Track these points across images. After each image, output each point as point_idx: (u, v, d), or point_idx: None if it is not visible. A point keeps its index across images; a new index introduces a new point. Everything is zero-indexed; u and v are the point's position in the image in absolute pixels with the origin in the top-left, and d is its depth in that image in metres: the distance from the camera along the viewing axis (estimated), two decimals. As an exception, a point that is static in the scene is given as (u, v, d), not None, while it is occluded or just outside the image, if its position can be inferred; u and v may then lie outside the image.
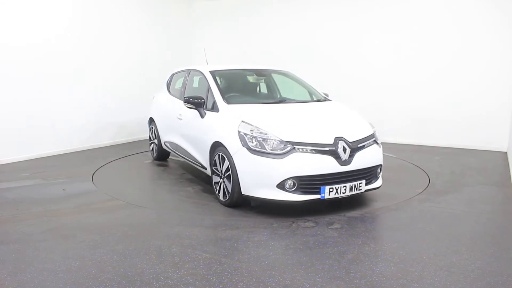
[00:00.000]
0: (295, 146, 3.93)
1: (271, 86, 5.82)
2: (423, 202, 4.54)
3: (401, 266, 2.98)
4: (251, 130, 4.07)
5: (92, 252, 3.21)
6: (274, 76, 5.85)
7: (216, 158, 4.40)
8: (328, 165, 3.95)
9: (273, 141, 3.95)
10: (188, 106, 4.95)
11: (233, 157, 4.10)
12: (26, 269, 2.94)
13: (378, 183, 4.44)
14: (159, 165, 6.50)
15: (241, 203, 4.28)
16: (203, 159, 4.81)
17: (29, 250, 3.26)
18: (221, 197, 4.39)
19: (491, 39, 7.30)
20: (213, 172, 4.54)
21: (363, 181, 4.16)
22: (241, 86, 5.63)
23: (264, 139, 3.97)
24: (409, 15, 7.98)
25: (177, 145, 5.64)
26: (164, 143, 6.20)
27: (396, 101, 8.26)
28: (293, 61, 8.98)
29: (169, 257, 3.13)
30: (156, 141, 6.51)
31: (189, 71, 5.92)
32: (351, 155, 4.06)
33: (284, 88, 5.76)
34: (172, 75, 6.57)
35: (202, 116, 4.83)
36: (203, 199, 4.64)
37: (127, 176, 5.92)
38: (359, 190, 4.14)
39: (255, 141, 3.99)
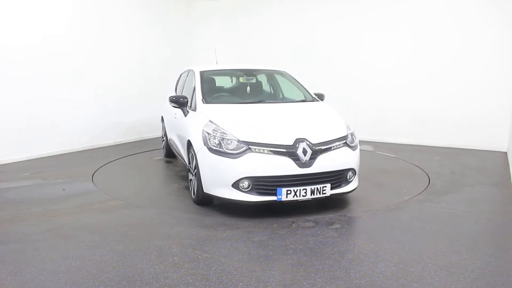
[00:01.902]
0: (250, 146, 3.89)
1: (263, 86, 5.80)
2: (423, 202, 4.54)
3: (401, 266, 2.98)
4: (213, 130, 4.10)
5: (92, 252, 3.21)
6: (270, 76, 5.84)
7: (190, 156, 4.51)
8: (285, 167, 3.86)
9: (230, 140, 3.95)
10: (173, 105, 5.07)
11: (197, 155, 4.18)
12: (26, 269, 2.93)
13: (349, 187, 4.24)
14: (160, 164, 6.51)
15: (208, 202, 4.31)
16: (186, 157, 4.91)
17: (29, 250, 3.26)
18: (192, 195, 4.49)
19: (491, 39, 7.30)
20: (188, 170, 4.63)
21: (328, 185, 4.00)
22: (230, 86, 5.66)
23: (222, 139, 3.98)
24: (409, 15, 7.97)
25: (174, 142, 5.82)
26: (169, 140, 6.35)
27: (396, 101, 8.26)
28: (293, 61, 8.98)
29: (169, 257, 3.13)
30: (165, 138, 6.70)
31: (188, 71, 5.98)
32: (313, 157, 3.93)
33: (277, 88, 5.73)
34: (180, 74, 6.63)
35: (185, 115, 4.96)
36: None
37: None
38: (322, 194, 3.98)
39: (215, 140, 4.01)
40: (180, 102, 4.98)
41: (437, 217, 4.03)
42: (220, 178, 3.94)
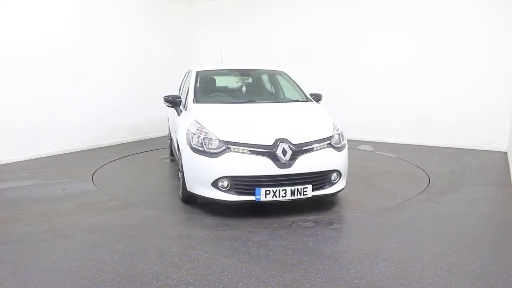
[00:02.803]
0: (229, 146, 3.90)
1: (258, 86, 5.78)
2: (423, 202, 4.54)
3: (401, 266, 2.98)
4: (197, 129, 4.13)
5: (92, 252, 3.21)
6: (266, 76, 5.85)
7: (178, 155, 4.55)
8: (264, 167, 3.84)
9: (211, 140, 3.97)
10: (167, 105, 5.09)
11: (181, 154, 4.22)
12: (26, 269, 2.93)
13: (333, 189, 4.15)
14: (162, 163, 6.51)
15: (193, 201, 4.35)
16: (177, 155, 4.95)
17: (29, 250, 3.26)
18: (180, 193, 4.53)
19: (491, 39, 7.30)
20: (179, 169, 4.66)
21: (309, 186, 3.94)
22: (225, 86, 5.67)
23: (204, 138, 4.01)
24: (409, 15, 7.97)
25: (173, 141, 5.84)
26: (172, 139, 6.37)
27: (396, 101, 8.26)
28: (293, 61, 8.98)
29: (169, 257, 3.13)
30: (170, 137, 6.76)
31: (189, 71, 5.99)
32: (293, 158, 3.89)
33: (271, 88, 5.70)
34: (184, 74, 6.65)
35: (178, 115, 5.01)
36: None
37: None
38: (304, 195, 3.92)
39: (198, 139, 4.04)
40: (173, 102, 5.04)
41: (437, 217, 4.03)
42: (201, 177, 3.98)
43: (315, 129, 4.25)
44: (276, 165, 3.85)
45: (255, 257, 3.14)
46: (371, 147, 7.87)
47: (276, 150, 3.87)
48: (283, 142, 3.92)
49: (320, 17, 8.85)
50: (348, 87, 8.69)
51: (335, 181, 4.18)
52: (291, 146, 3.92)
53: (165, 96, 5.07)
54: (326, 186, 4.13)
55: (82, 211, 4.22)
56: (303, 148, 3.97)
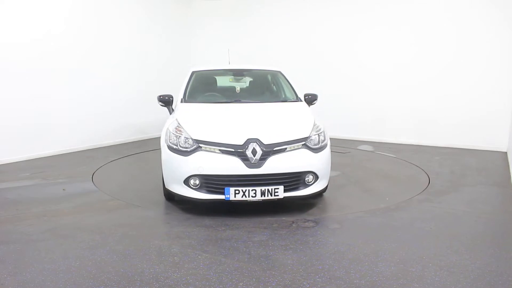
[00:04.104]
0: (200, 145, 3.95)
1: (251, 86, 5.78)
2: (423, 202, 4.54)
3: (401, 266, 2.98)
4: (175, 128, 4.20)
5: (92, 252, 3.21)
6: (261, 76, 5.85)
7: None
8: (233, 166, 3.84)
9: (185, 139, 4.03)
10: (160, 104, 5.13)
11: (161, 152, 4.27)
12: (26, 269, 2.93)
13: (307, 191, 4.05)
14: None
15: (172, 198, 4.40)
16: None
17: (29, 250, 3.26)
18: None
19: (491, 40, 7.30)
20: None
21: (280, 187, 3.88)
22: (219, 86, 5.67)
23: (179, 137, 4.07)
24: (410, 15, 7.98)
25: None
26: None
27: (397, 101, 8.26)
28: (293, 61, 8.99)
29: (169, 257, 3.13)
30: None
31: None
32: (264, 158, 3.87)
33: (263, 88, 5.68)
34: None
35: (170, 113, 5.05)
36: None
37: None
38: (275, 196, 3.87)
39: (174, 138, 4.11)
40: (166, 101, 5.08)
41: (437, 217, 4.03)
42: (174, 174, 4.05)
43: (291, 129, 4.17)
44: (245, 165, 3.85)
45: (255, 257, 3.14)
46: (371, 147, 7.87)
47: (246, 150, 3.87)
48: (254, 142, 3.90)
49: (320, 16, 8.86)
50: (349, 87, 8.69)
51: (310, 183, 4.08)
52: (261, 146, 3.89)
53: (159, 96, 5.12)
54: (301, 188, 4.04)
55: (82, 211, 4.22)
56: (275, 149, 3.93)
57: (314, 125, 4.29)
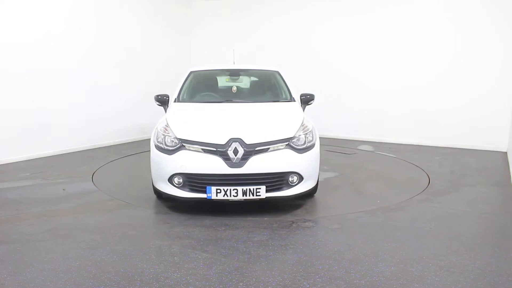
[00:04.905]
0: (183, 144, 4.00)
1: (247, 86, 5.78)
2: (423, 202, 4.53)
3: (401, 266, 2.98)
4: (163, 127, 4.27)
5: (92, 252, 3.21)
6: (258, 76, 5.85)
7: None
8: (215, 166, 3.86)
9: (170, 138, 4.09)
10: (157, 103, 5.19)
11: (150, 151, 4.32)
12: (26, 269, 2.93)
13: (290, 192, 4.01)
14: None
15: (160, 195, 4.44)
16: None
17: (29, 250, 3.26)
18: None
19: (491, 40, 7.30)
20: None
21: (262, 187, 3.86)
22: (214, 86, 5.68)
23: (165, 136, 4.13)
24: (410, 15, 7.98)
25: None
26: None
27: (397, 101, 8.27)
28: (293, 61, 9.00)
29: (169, 257, 3.13)
30: None
31: None
32: (245, 158, 3.86)
33: (258, 88, 5.68)
34: None
35: (166, 112, 5.11)
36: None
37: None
38: (257, 195, 3.86)
39: (161, 137, 4.17)
40: (161, 101, 5.14)
41: (437, 217, 4.03)
42: (160, 173, 4.11)
43: (276, 130, 4.13)
44: (227, 164, 3.86)
45: (255, 257, 3.14)
46: (371, 147, 7.87)
47: (228, 149, 3.88)
48: (236, 141, 3.91)
49: (320, 16, 8.86)
50: (349, 87, 8.70)
51: (294, 184, 4.03)
52: (243, 146, 3.89)
53: (156, 96, 5.18)
54: (284, 188, 4.00)
55: (82, 211, 4.22)
56: (257, 149, 3.92)
57: (302, 125, 4.26)
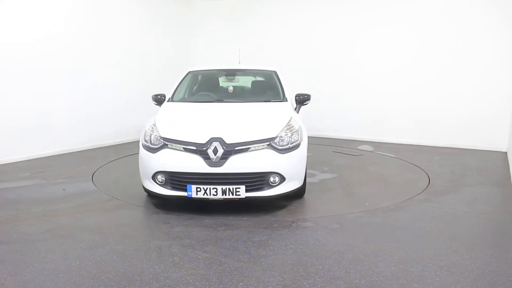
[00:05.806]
0: (166, 143, 4.09)
1: (243, 86, 5.78)
2: (423, 202, 4.53)
3: (401, 266, 2.98)
4: (150, 126, 4.38)
5: (92, 252, 3.21)
6: (254, 76, 5.86)
7: None
8: (195, 164, 3.91)
9: (155, 136, 4.19)
10: (154, 103, 5.25)
11: (139, 149, 4.39)
12: (26, 269, 2.93)
13: (271, 192, 3.98)
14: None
15: (148, 193, 4.46)
16: None
17: (29, 250, 3.26)
18: None
19: (491, 40, 7.30)
20: None
21: (242, 187, 3.88)
22: (211, 86, 5.69)
23: (150, 135, 4.25)
24: (411, 15, 7.98)
25: None
26: None
27: (397, 101, 8.27)
28: (293, 61, 9.00)
29: (169, 257, 3.13)
30: None
31: None
32: (225, 157, 3.88)
33: (252, 88, 5.67)
34: None
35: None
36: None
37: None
38: (236, 195, 3.88)
39: (148, 136, 4.27)
40: (158, 100, 5.21)
41: (437, 217, 4.03)
42: (145, 170, 4.21)
43: (258, 130, 4.13)
44: (207, 163, 3.90)
45: (255, 257, 3.14)
46: (371, 147, 7.87)
47: (208, 148, 3.93)
48: (216, 141, 3.95)
49: (320, 16, 8.86)
50: (348, 87, 8.70)
51: (275, 184, 4.00)
52: (223, 145, 3.93)
53: (153, 95, 5.23)
54: (265, 188, 3.99)
55: (82, 211, 4.22)
56: (236, 148, 3.93)
57: (288, 125, 4.24)
